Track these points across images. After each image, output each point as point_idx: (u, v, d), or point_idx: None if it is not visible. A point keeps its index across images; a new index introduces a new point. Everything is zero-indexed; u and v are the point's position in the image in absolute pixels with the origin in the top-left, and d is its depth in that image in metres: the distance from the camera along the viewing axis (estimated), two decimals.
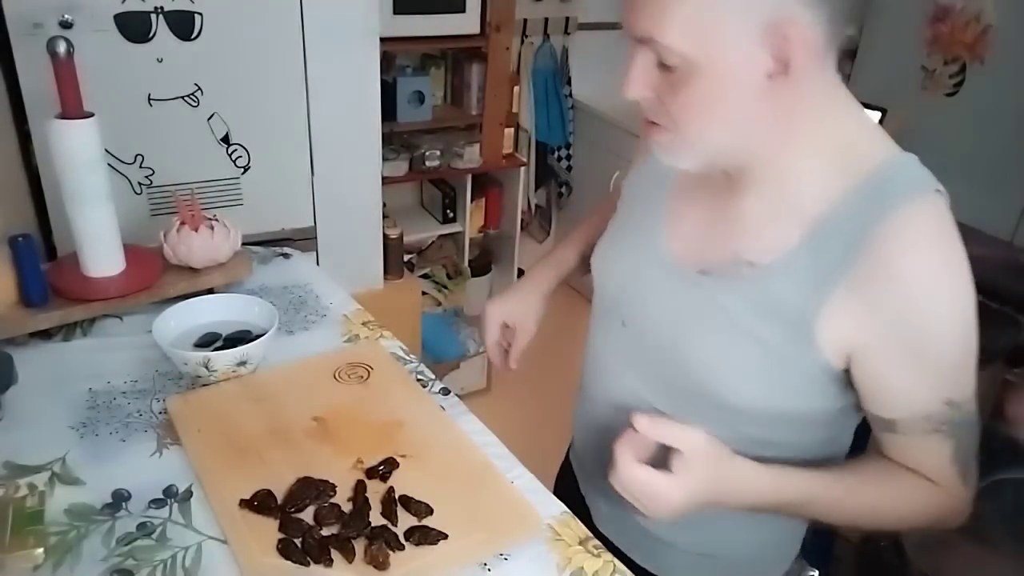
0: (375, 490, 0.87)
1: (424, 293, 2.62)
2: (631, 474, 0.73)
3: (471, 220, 2.66)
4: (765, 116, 0.71)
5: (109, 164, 1.14)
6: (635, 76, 0.71)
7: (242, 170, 2.16)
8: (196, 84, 2.02)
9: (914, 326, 0.71)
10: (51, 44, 1.03)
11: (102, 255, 1.16)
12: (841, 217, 0.72)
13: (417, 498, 0.85)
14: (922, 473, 0.79)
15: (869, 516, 0.81)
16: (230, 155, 2.13)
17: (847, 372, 0.76)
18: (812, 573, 2.15)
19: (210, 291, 1.22)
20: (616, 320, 0.92)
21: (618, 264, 0.92)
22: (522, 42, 2.84)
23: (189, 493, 0.86)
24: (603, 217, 1.02)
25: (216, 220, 1.24)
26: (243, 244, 1.30)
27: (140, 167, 2.02)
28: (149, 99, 1.98)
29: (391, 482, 0.88)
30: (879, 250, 0.70)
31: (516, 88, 2.63)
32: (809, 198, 0.74)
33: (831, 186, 0.73)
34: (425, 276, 2.69)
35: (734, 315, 0.77)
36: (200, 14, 1.95)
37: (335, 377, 1.06)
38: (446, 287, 2.71)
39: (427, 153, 2.53)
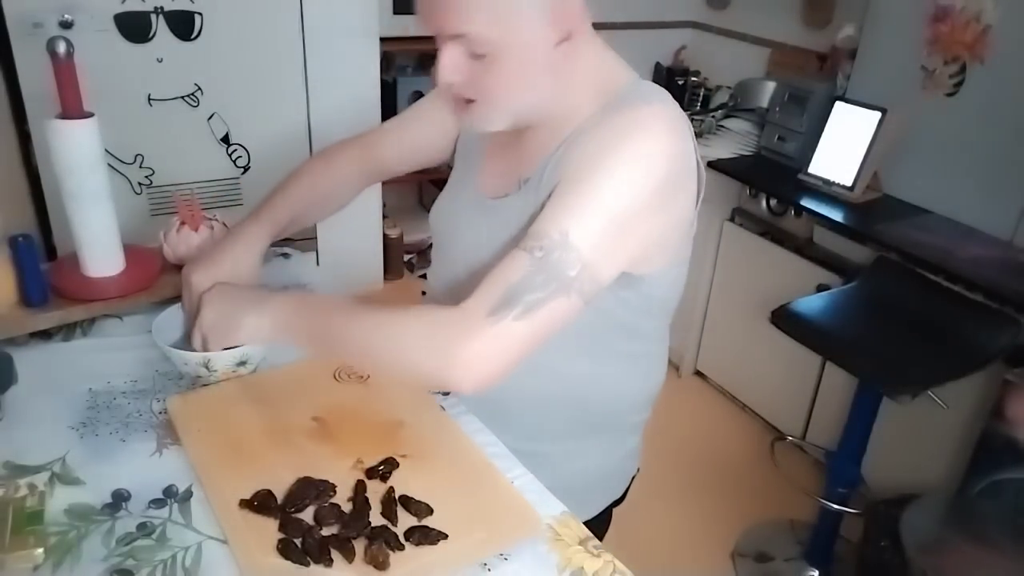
0: (375, 490, 0.87)
1: (424, 293, 2.63)
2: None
3: None
4: (556, 75, 0.87)
5: (109, 164, 1.14)
6: (447, 64, 0.84)
7: (242, 170, 2.16)
8: (196, 84, 2.02)
9: (581, 164, 0.83)
10: (51, 44, 1.02)
11: (102, 255, 1.16)
12: (585, 126, 0.87)
13: (417, 498, 0.85)
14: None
15: (374, 320, 0.87)
16: (230, 155, 2.14)
17: None
18: (812, 573, 2.15)
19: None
20: (442, 254, 1.08)
21: (442, 207, 1.08)
22: None
23: (189, 493, 0.86)
24: (316, 183, 1.15)
25: (216, 220, 1.24)
26: None
27: (140, 167, 2.02)
28: (149, 99, 1.99)
29: (391, 482, 0.88)
30: (587, 126, 0.87)
31: None
32: (575, 122, 0.89)
33: (590, 109, 0.89)
34: (425, 276, 2.69)
35: (514, 227, 0.90)
36: (200, 14, 1.95)
37: (335, 377, 1.06)
38: None
39: None
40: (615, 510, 1.17)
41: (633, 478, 1.18)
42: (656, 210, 0.85)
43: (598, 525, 1.10)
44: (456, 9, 0.80)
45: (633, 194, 0.82)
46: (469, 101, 0.88)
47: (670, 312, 1.05)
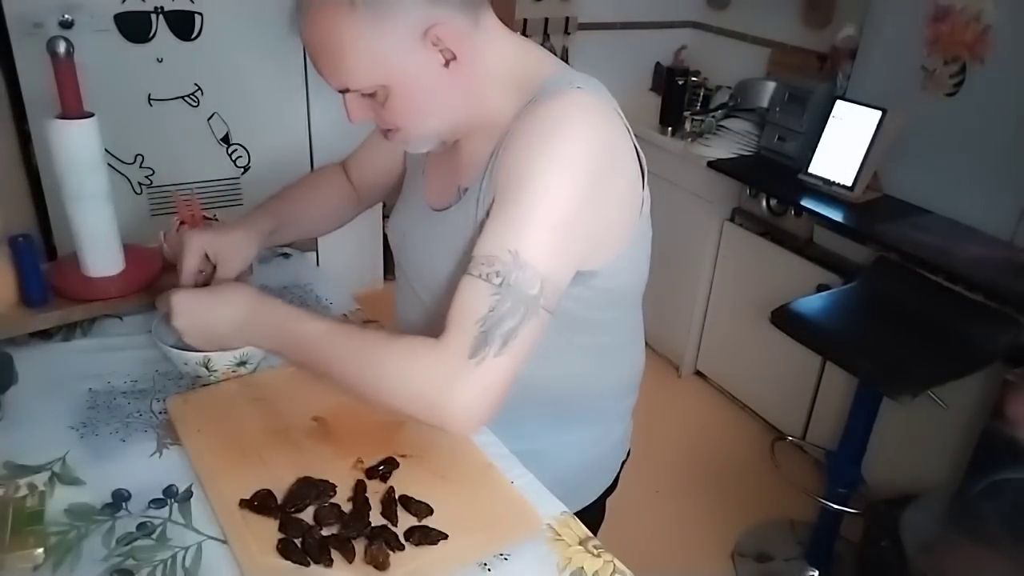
0: (375, 490, 0.87)
1: None
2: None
3: None
4: (460, 92, 0.87)
5: (109, 164, 1.14)
6: (352, 110, 0.88)
7: (242, 170, 2.16)
8: (196, 84, 2.02)
9: (512, 175, 0.82)
10: (51, 44, 1.03)
11: (102, 255, 1.16)
12: (512, 127, 0.86)
13: (417, 498, 0.85)
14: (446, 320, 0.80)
15: (358, 361, 0.83)
16: (230, 155, 2.13)
17: None
18: (812, 573, 2.15)
19: None
20: (400, 266, 1.09)
21: (395, 219, 1.09)
22: None
23: (189, 493, 0.86)
24: (317, 192, 1.20)
25: (216, 220, 1.24)
26: None
27: (140, 167, 2.02)
28: (149, 99, 1.99)
29: (391, 482, 0.88)
30: (511, 128, 0.85)
31: None
32: (503, 123, 0.88)
33: (514, 107, 0.87)
34: None
35: (459, 238, 0.90)
36: (200, 14, 1.95)
37: None
38: None
39: None
40: (611, 504, 1.18)
41: (623, 463, 1.18)
42: (592, 200, 0.83)
43: (592, 516, 1.10)
44: (330, 70, 0.84)
45: (568, 194, 0.81)
46: (388, 130, 0.91)
47: (635, 299, 1.04)
